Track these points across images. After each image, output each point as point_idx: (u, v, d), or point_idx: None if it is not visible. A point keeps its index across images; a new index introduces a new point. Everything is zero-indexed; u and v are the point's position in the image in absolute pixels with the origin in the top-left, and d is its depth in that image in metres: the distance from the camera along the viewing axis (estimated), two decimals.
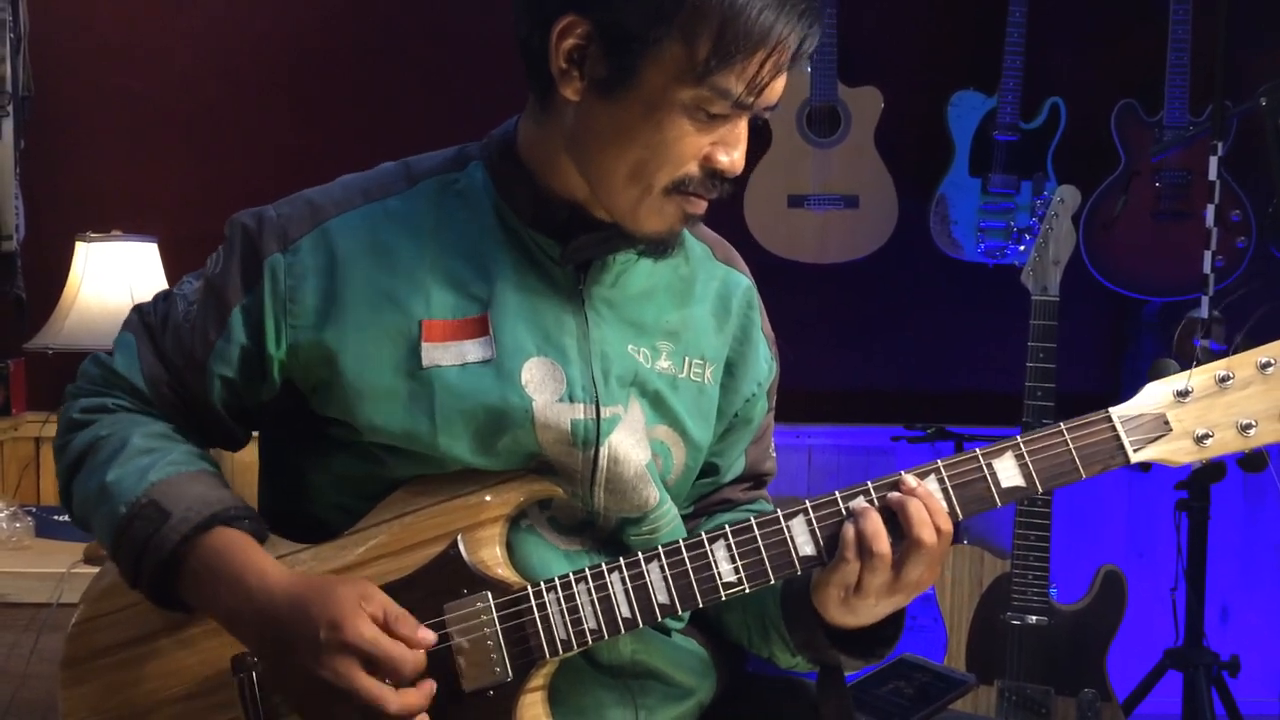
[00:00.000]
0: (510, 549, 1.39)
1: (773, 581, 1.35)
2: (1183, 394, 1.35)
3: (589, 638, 1.34)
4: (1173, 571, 3.10)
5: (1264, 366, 1.34)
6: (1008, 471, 1.35)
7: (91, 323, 3.21)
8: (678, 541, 1.35)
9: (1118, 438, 1.34)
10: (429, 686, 1.30)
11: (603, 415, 1.39)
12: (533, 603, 1.34)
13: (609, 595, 1.34)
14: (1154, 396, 1.35)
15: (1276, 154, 2.91)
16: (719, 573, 1.34)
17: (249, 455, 1.57)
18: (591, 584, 1.35)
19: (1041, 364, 2.95)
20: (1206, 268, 2.97)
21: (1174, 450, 1.34)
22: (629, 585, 1.34)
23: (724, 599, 1.35)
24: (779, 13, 1.26)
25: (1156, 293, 3.81)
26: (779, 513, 1.35)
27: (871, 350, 4.00)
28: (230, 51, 3.73)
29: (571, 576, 1.35)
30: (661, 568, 1.35)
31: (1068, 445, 1.34)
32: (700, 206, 1.36)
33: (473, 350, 1.37)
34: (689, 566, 1.34)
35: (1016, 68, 3.72)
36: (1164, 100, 3.70)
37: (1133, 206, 3.72)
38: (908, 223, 3.78)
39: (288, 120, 3.76)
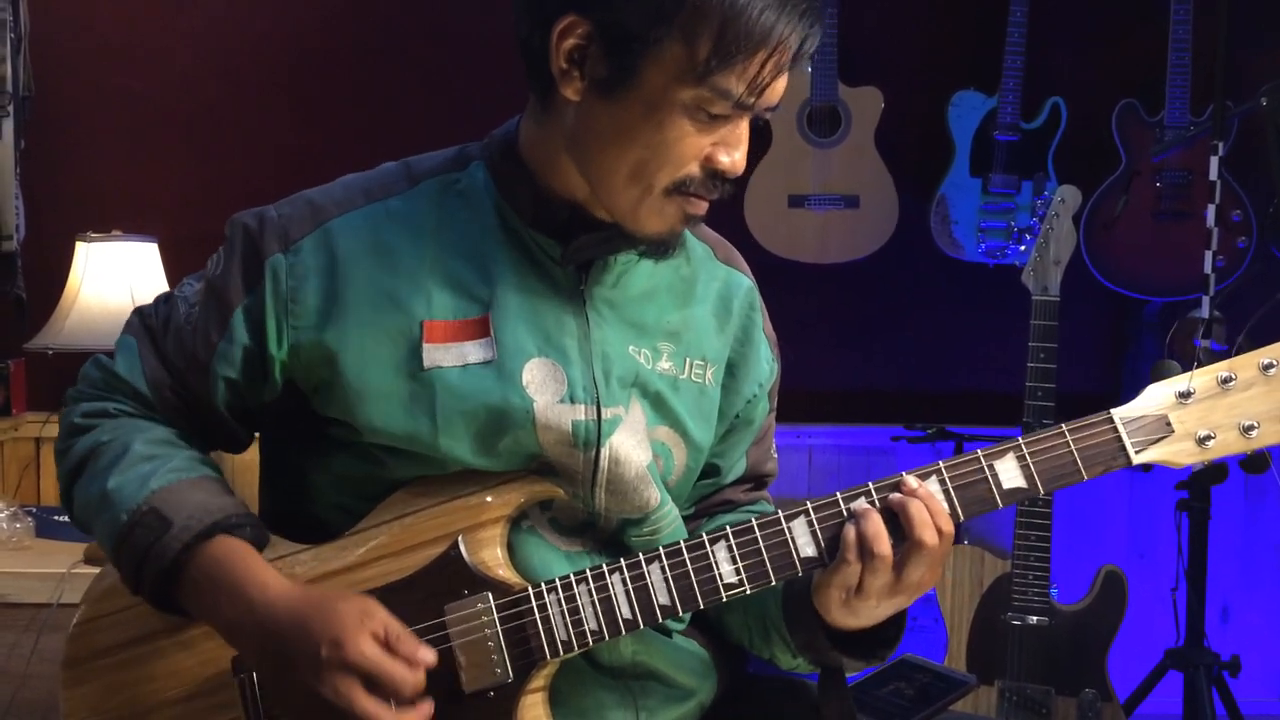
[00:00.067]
0: (511, 550, 1.39)
1: (774, 583, 1.35)
2: (1185, 395, 1.35)
3: (590, 639, 1.34)
4: (1173, 571, 3.10)
5: (1266, 368, 1.34)
6: (1009, 473, 1.34)
7: (92, 323, 3.21)
8: (679, 542, 1.35)
9: (1119, 439, 1.34)
10: (427, 707, 1.30)
11: (604, 416, 1.39)
12: (533, 604, 1.34)
13: (610, 596, 1.34)
14: (1156, 398, 1.35)
15: (1277, 154, 2.91)
16: (720, 574, 1.34)
17: (249, 456, 1.56)
18: (592, 585, 1.34)
19: (1042, 364, 2.95)
20: (1207, 268, 2.97)
21: (1176, 452, 1.34)
22: (630, 586, 1.34)
23: (725, 600, 1.34)
24: (780, 13, 1.26)
25: (1157, 293, 3.81)
26: (780, 514, 1.35)
27: (872, 350, 4.00)
28: (230, 51, 3.73)
29: (572, 577, 1.35)
30: (662, 569, 1.34)
31: (1069, 447, 1.34)
32: (701, 207, 1.36)
33: (474, 351, 1.37)
34: (690, 568, 1.34)
35: (1017, 68, 3.72)
36: (1165, 100, 3.70)
37: (1133, 206, 3.72)
38: (908, 223, 3.78)
39: (288, 120, 3.76)
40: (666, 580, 1.34)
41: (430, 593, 1.35)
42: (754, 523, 1.35)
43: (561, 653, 1.34)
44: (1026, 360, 2.96)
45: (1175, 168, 3.72)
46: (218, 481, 1.41)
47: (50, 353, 3.24)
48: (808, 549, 1.34)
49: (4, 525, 2.81)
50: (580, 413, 1.38)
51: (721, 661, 1.55)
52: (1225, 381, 1.34)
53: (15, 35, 3.32)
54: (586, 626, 1.34)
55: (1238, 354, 1.36)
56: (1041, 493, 1.35)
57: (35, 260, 3.46)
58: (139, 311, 1.49)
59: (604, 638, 1.34)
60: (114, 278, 3.25)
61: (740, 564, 1.34)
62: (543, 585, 1.35)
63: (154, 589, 1.35)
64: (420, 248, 1.40)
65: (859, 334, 3.99)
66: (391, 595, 1.35)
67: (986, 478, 1.34)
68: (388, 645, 1.28)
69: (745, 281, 1.55)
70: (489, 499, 1.38)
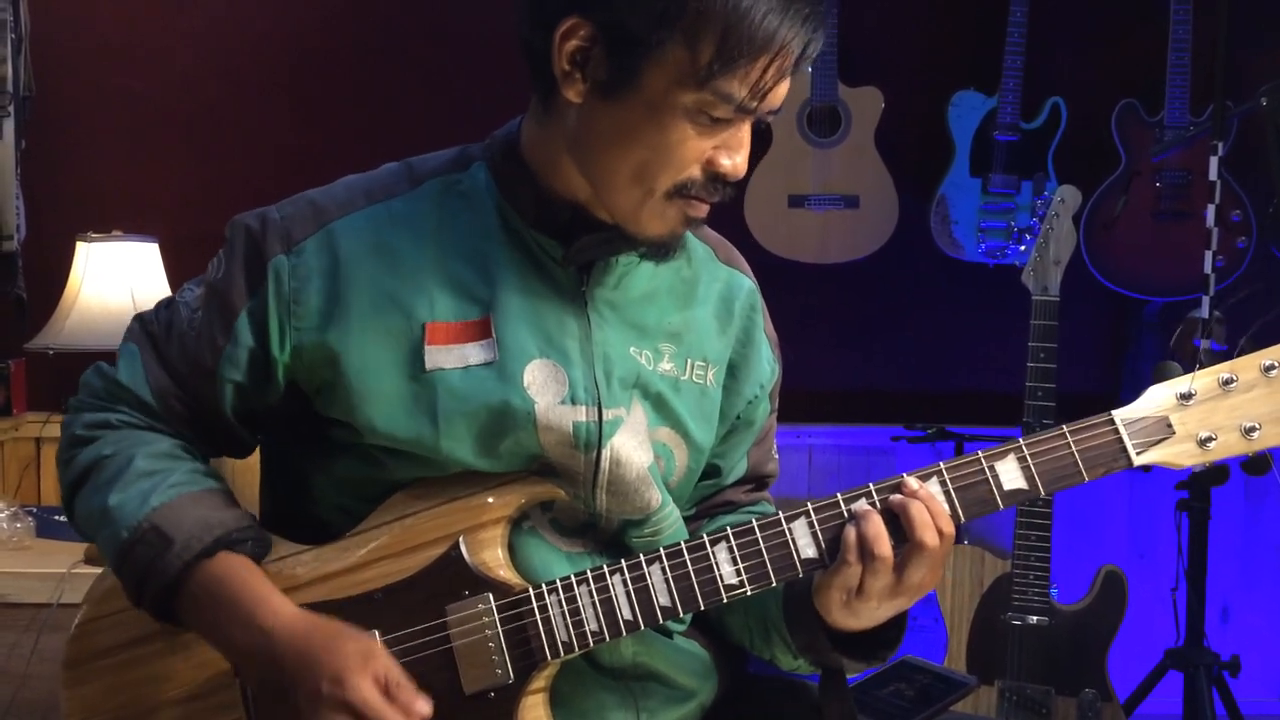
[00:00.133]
0: (512, 551, 1.39)
1: (774, 584, 1.35)
2: (1186, 396, 1.35)
3: (590, 640, 1.34)
4: (1173, 572, 3.10)
5: (1268, 369, 1.34)
6: (1010, 474, 1.34)
7: (92, 323, 3.21)
8: (679, 543, 1.35)
9: (1120, 440, 1.34)
10: None
11: (605, 417, 1.39)
12: (534, 604, 1.34)
13: (610, 597, 1.34)
14: (1157, 399, 1.35)
15: (1277, 154, 2.91)
16: (720, 575, 1.34)
17: (250, 457, 1.56)
18: (593, 586, 1.35)
19: (1042, 364, 2.95)
20: (1207, 268, 2.96)
21: (1177, 453, 1.34)
22: (630, 587, 1.34)
23: (725, 601, 1.35)
24: (783, 17, 1.25)
25: (1157, 293, 3.81)
26: (781, 515, 1.35)
27: (872, 350, 4.00)
28: (230, 51, 3.73)
29: (573, 578, 1.35)
30: (663, 569, 1.34)
31: (1070, 448, 1.34)
32: (702, 210, 1.36)
33: (475, 353, 1.37)
34: (691, 568, 1.34)
35: (1017, 68, 3.72)
36: (1165, 100, 3.70)
37: (1133, 206, 3.72)
38: (908, 223, 3.78)
39: (288, 120, 3.76)
40: (667, 581, 1.34)
41: (431, 593, 1.35)
42: (755, 524, 1.35)
43: (562, 654, 1.34)
44: (1026, 360, 2.96)
45: (1175, 168, 3.72)
46: (221, 493, 1.40)
47: (51, 353, 3.24)
48: (808, 550, 1.34)
49: (4, 525, 2.81)
50: (581, 414, 1.38)
51: (722, 662, 1.55)
52: (1227, 383, 1.34)
53: (15, 35, 3.32)
54: (587, 627, 1.34)
55: (1240, 355, 1.36)
56: (1042, 494, 1.35)
57: (36, 260, 3.46)
58: (140, 318, 1.48)
59: (605, 639, 1.34)
60: (114, 278, 3.25)
61: (741, 565, 1.34)
62: (543, 586, 1.35)
63: (155, 605, 1.36)
64: (422, 249, 1.40)
65: (859, 334, 3.99)
66: (392, 596, 1.35)
67: (987, 479, 1.34)
68: (387, 690, 1.28)
69: (747, 283, 1.55)
70: (490, 500, 1.38)
